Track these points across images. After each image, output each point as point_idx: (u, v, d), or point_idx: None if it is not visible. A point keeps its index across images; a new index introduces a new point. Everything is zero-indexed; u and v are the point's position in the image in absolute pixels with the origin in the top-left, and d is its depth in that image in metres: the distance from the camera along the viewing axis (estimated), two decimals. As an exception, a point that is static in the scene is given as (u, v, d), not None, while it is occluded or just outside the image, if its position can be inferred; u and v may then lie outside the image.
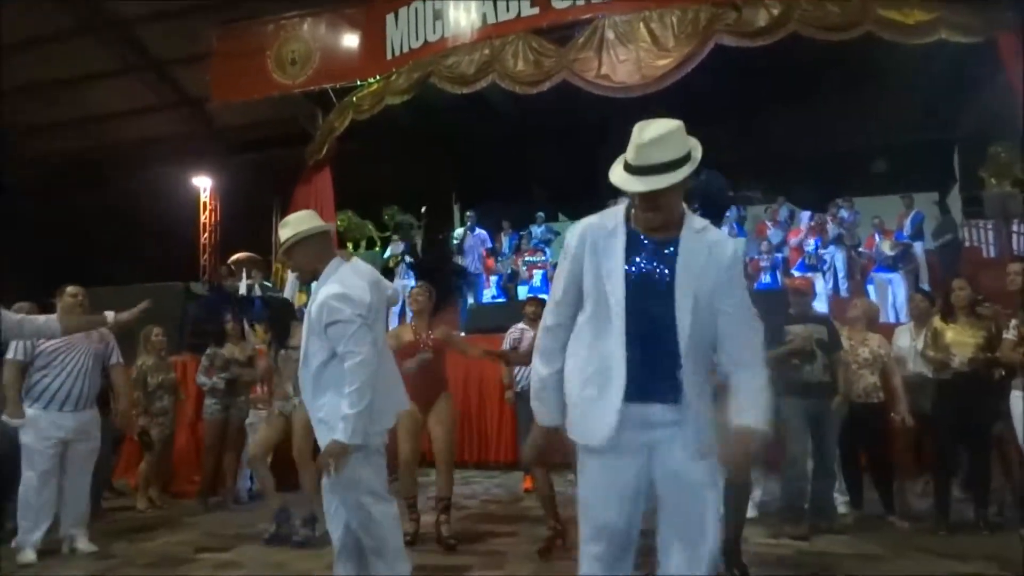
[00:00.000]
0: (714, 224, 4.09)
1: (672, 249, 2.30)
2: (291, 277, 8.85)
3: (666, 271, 2.29)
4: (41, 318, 4.50)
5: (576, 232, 2.41)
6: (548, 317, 2.48)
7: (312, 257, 3.27)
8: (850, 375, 5.40)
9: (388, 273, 11.49)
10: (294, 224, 3.29)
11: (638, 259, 2.31)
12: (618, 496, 2.29)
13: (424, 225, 12.34)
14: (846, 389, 5.31)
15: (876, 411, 5.50)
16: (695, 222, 2.36)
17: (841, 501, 5.67)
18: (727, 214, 11.02)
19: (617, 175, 2.32)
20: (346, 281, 3.14)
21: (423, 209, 12.57)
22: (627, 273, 2.29)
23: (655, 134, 2.28)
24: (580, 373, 2.33)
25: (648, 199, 2.28)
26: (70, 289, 5.21)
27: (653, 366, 2.27)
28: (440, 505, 5.14)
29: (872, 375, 5.48)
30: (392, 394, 3.30)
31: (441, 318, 5.58)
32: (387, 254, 11.56)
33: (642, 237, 2.34)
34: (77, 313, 5.08)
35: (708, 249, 2.31)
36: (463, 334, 9.76)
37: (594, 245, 2.35)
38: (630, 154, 2.30)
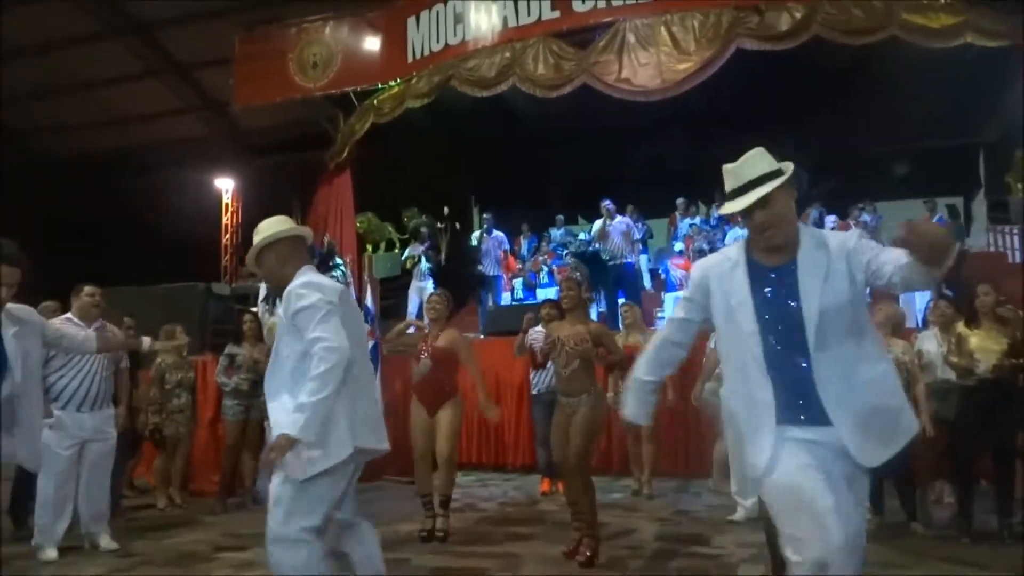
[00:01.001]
0: None
1: (792, 272, 2.32)
2: (262, 289, 8.78)
3: (790, 297, 2.31)
4: (80, 335, 4.49)
5: (696, 275, 2.52)
6: (666, 330, 2.68)
7: (282, 262, 3.04)
8: None
9: (406, 275, 11.52)
10: (264, 229, 3.10)
11: (764, 289, 2.35)
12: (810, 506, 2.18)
13: (446, 228, 12.37)
14: None
15: None
16: (810, 237, 2.36)
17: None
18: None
19: (725, 206, 2.43)
20: (314, 275, 3.00)
21: (445, 211, 12.59)
22: (755, 306, 2.34)
23: (742, 159, 2.40)
24: (736, 409, 2.42)
25: (754, 220, 2.33)
26: (87, 289, 5.19)
27: (796, 390, 2.29)
28: (439, 500, 5.31)
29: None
30: (372, 421, 3.00)
31: (458, 322, 5.61)
32: (404, 255, 11.58)
33: (763, 266, 2.38)
34: (94, 314, 5.12)
35: (827, 256, 2.31)
36: (482, 336, 9.79)
37: (719, 282, 2.43)
38: (727, 184, 2.41)
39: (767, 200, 2.30)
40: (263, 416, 6.93)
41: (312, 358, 2.73)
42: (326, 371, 2.70)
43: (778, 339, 2.30)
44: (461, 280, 10.86)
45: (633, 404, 2.67)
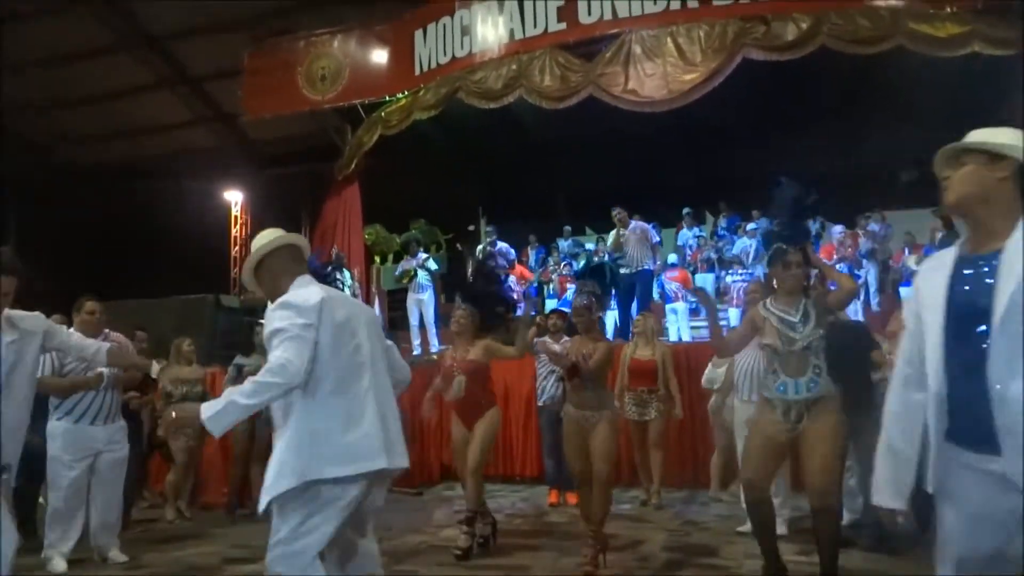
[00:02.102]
0: (793, 238, 4.06)
1: (993, 263, 2.01)
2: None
3: (985, 291, 2.00)
4: (92, 347, 4.50)
5: (915, 281, 2.31)
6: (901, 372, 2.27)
7: (276, 277, 2.95)
8: None
9: (403, 291, 11.42)
10: (256, 243, 3.01)
11: (962, 284, 2.08)
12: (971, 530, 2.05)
13: (448, 239, 12.37)
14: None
15: None
16: None
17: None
18: (811, 226, 10.79)
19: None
20: (296, 290, 2.84)
21: (448, 232, 12.55)
22: (947, 300, 2.08)
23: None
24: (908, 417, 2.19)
25: (948, 204, 2.17)
26: (88, 306, 5.14)
27: (970, 405, 1.99)
28: (463, 516, 5.24)
29: None
30: (364, 435, 2.77)
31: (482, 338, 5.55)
32: (398, 271, 11.39)
33: (969, 257, 2.11)
34: (94, 329, 5.09)
35: None
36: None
37: (924, 281, 2.21)
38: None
39: (961, 158, 2.15)
40: (271, 427, 6.96)
41: (265, 370, 2.63)
42: (268, 382, 2.61)
43: (960, 343, 2.02)
44: (491, 304, 10.81)
45: (892, 485, 2.23)
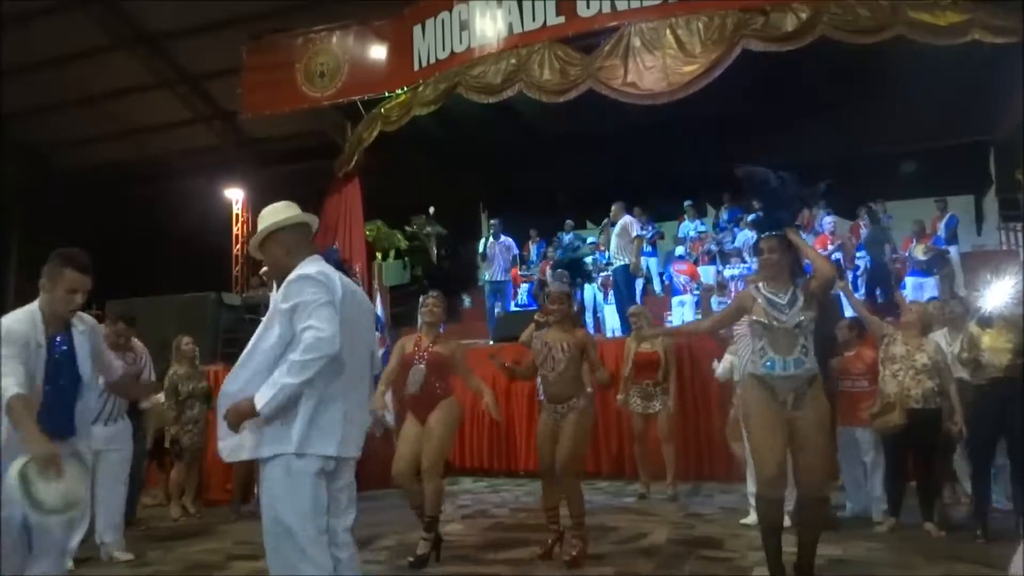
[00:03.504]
0: (773, 225, 4.05)
1: None
2: (272, 298, 8.79)
3: None
4: (115, 363, 4.51)
5: None
6: None
7: (287, 251, 2.94)
8: (908, 381, 5.33)
9: (415, 283, 11.48)
10: (269, 215, 3.00)
11: None
12: None
13: (447, 234, 12.37)
14: (901, 398, 5.26)
15: (934, 417, 5.37)
16: None
17: (878, 509, 5.59)
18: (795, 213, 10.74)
19: None
20: (314, 267, 2.83)
21: (431, 210, 12.52)
22: None
23: None
24: None
25: None
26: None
27: None
28: (424, 523, 4.90)
29: (930, 380, 5.36)
30: (349, 424, 2.82)
31: (467, 328, 5.52)
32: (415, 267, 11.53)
33: None
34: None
35: None
36: (491, 342, 9.80)
37: None
38: None
39: None
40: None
41: (298, 344, 2.65)
42: (309, 360, 2.63)
43: None
44: (453, 285, 10.83)
45: None
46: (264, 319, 2.87)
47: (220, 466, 7.60)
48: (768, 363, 3.92)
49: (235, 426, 2.74)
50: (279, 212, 3.00)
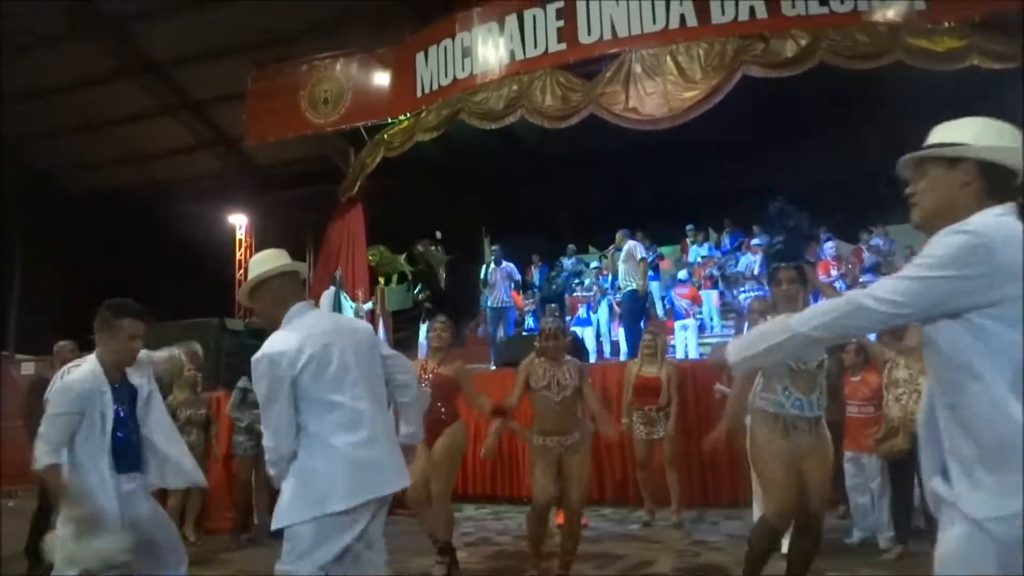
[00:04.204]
0: (790, 256, 4.03)
1: None
2: None
3: None
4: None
5: None
6: None
7: (274, 301, 2.94)
8: (912, 405, 5.29)
9: (418, 307, 11.49)
10: (257, 265, 3.00)
11: None
12: None
13: (452, 259, 12.41)
14: (905, 422, 5.22)
15: None
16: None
17: (886, 536, 5.53)
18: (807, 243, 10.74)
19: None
20: (278, 334, 2.82)
21: (437, 235, 12.57)
22: None
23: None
24: None
25: (916, 223, 2.05)
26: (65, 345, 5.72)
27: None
28: (437, 546, 5.00)
29: None
30: (371, 461, 2.78)
31: (469, 353, 5.53)
32: (417, 290, 11.56)
33: None
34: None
35: None
36: (493, 367, 9.77)
37: None
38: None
39: (923, 167, 2.00)
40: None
41: (266, 449, 2.81)
42: (270, 466, 2.81)
43: None
44: (461, 310, 10.86)
45: None
46: None
47: (220, 494, 7.56)
48: (796, 404, 3.85)
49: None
50: (267, 261, 2.99)
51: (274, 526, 2.76)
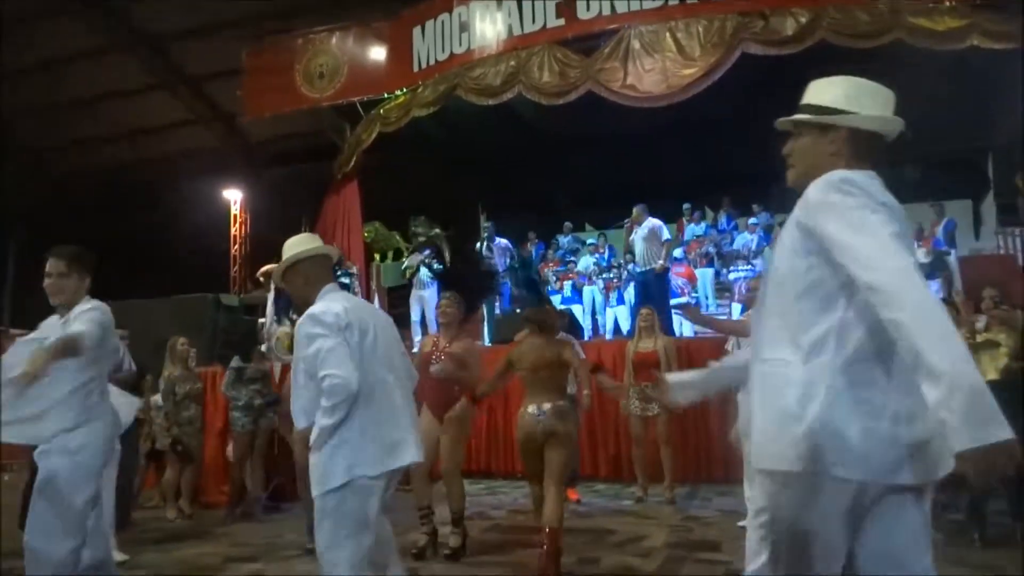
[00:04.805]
0: None
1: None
2: (270, 299, 8.84)
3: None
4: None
5: None
6: None
7: (306, 281, 3.13)
8: None
9: (404, 288, 11.44)
10: (292, 246, 3.18)
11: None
12: None
13: (449, 235, 12.37)
14: None
15: None
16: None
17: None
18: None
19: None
20: (322, 304, 3.01)
21: (442, 228, 12.55)
22: None
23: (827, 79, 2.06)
24: None
25: (790, 183, 2.05)
26: None
27: None
28: (452, 517, 5.12)
29: None
30: (393, 435, 2.98)
31: (466, 329, 5.52)
32: (404, 265, 11.45)
33: None
34: None
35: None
36: (488, 344, 9.78)
37: None
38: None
39: (797, 128, 2.01)
40: (272, 428, 6.98)
41: (326, 394, 2.84)
42: (332, 406, 2.82)
43: None
44: (470, 284, 10.82)
45: None
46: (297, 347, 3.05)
47: (216, 468, 7.60)
48: None
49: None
50: (302, 244, 3.19)
51: (329, 486, 2.84)
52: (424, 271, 10.80)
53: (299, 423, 2.99)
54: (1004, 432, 1.58)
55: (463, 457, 5.30)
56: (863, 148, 1.94)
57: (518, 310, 4.92)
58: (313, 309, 2.98)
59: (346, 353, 2.88)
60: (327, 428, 2.83)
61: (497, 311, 11.42)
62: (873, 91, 2.01)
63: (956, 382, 1.55)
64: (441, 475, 5.16)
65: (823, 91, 2.03)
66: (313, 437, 2.86)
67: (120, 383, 5.67)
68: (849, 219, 1.76)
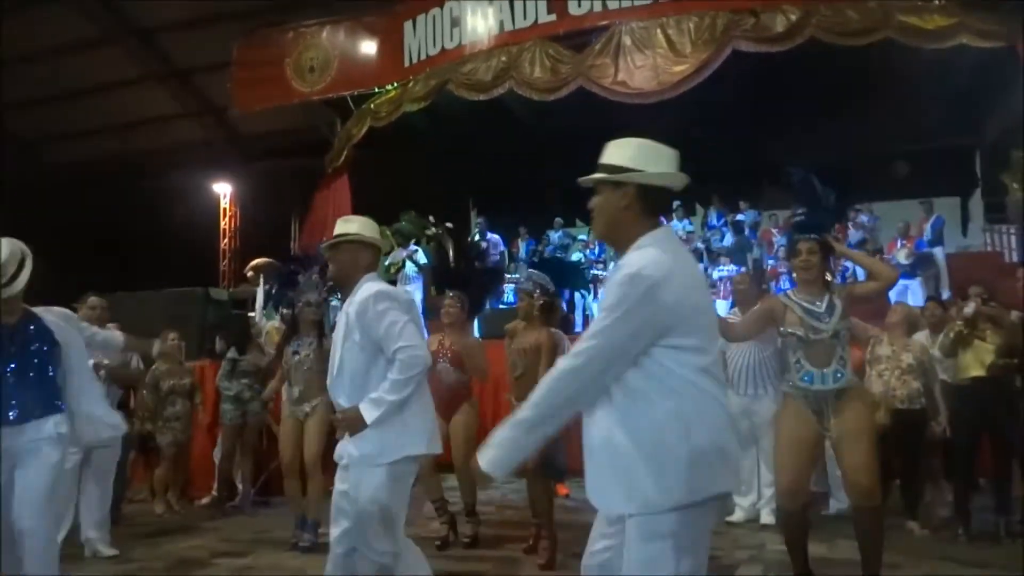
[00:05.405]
0: (812, 228, 4.00)
1: None
2: (259, 293, 8.84)
3: None
4: (103, 332, 4.50)
5: None
6: None
7: (356, 262, 3.20)
8: (893, 381, 5.35)
9: (392, 283, 11.41)
10: (360, 225, 3.27)
11: None
12: None
13: (440, 233, 12.32)
14: (886, 398, 5.28)
15: (919, 417, 5.38)
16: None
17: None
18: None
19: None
20: (376, 284, 3.13)
21: (444, 223, 12.50)
22: None
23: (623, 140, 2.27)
24: None
25: (595, 236, 2.39)
26: (91, 300, 5.25)
27: None
28: (465, 509, 5.31)
29: (916, 380, 5.39)
30: (426, 422, 3.14)
31: (466, 327, 5.56)
32: (387, 261, 11.37)
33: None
34: (95, 323, 5.11)
35: None
36: (479, 339, 9.77)
37: None
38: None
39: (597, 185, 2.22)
40: (261, 422, 6.97)
41: (395, 363, 2.94)
42: (408, 377, 2.93)
43: None
44: (473, 281, 10.78)
45: None
46: (342, 329, 3.11)
47: (205, 463, 7.57)
48: (806, 377, 3.73)
49: (349, 430, 3.01)
50: (372, 229, 3.28)
51: (385, 460, 2.95)
52: (410, 266, 10.77)
53: (344, 403, 3.05)
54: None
55: (474, 449, 5.35)
56: (652, 201, 2.17)
57: (536, 291, 4.89)
58: (381, 286, 3.10)
59: (416, 329, 3.02)
60: (397, 402, 2.92)
61: (486, 307, 11.41)
62: (658, 151, 2.21)
63: None
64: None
65: (615, 152, 2.22)
66: (374, 412, 2.92)
67: (124, 380, 5.70)
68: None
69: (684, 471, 1.95)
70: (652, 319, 1.98)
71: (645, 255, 2.06)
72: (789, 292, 4.00)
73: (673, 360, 1.99)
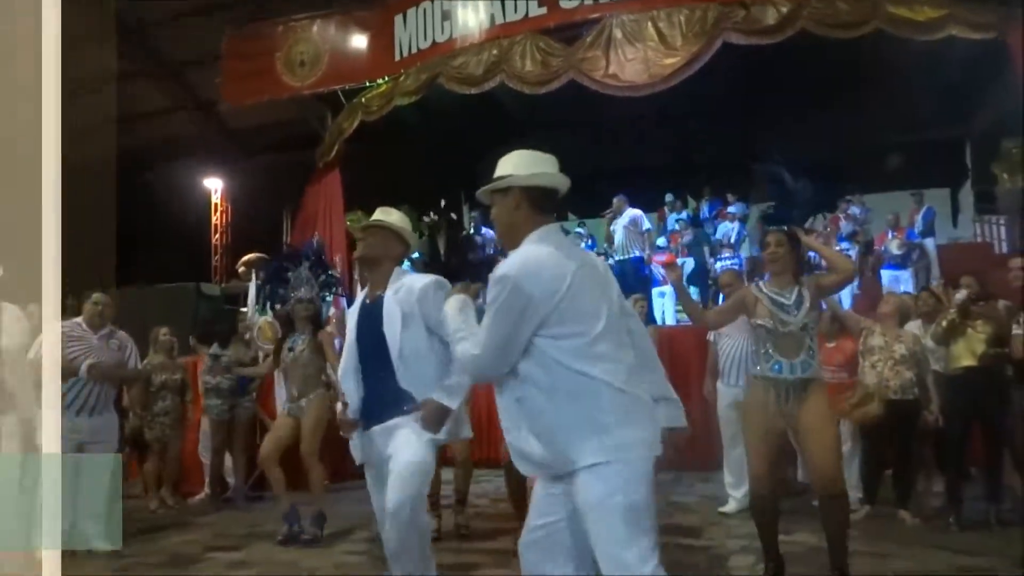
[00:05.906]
0: (781, 220, 4.06)
1: None
2: (252, 288, 8.83)
3: None
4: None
5: None
6: None
7: (387, 249, 3.36)
8: (887, 372, 5.38)
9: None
10: (399, 218, 3.46)
11: None
12: None
13: (432, 226, 12.33)
14: (880, 389, 5.30)
15: (912, 408, 5.43)
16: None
17: (854, 497, 5.64)
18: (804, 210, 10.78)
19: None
20: (437, 276, 3.29)
21: (442, 203, 12.50)
22: None
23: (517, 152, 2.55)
24: None
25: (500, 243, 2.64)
26: (94, 297, 5.34)
27: None
28: (457, 497, 5.50)
29: (908, 371, 5.42)
30: (462, 409, 3.40)
31: None
32: None
33: None
34: (97, 322, 5.28)
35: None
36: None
37: None
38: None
39: (493, 197, 2.48)
40: (251, 415, 6.98)
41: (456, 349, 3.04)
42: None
43: None
44: (463, 274, 10.75)
45: None
46: (397, 319, 3.20)
47: (197, 458, 7.56)
48: (776, 366, 3.79)
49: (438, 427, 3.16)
50: (408, 224, 3.56)
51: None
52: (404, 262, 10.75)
53: (415, 390, 3.17)
54: None
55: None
56: (539, 202, 2.43)
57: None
58: (435, 277, 3.26)
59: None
60: (468, 385, 3.22)
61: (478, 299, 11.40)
62: (535, 156, 2.51)
63: None
64: None
65: (501, 164, 2.52)
66: (456, 399, 3.13)
67: (126, 381, 5.69)
68: None
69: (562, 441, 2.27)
70: (524, 313, 2.23)
71: (516, 256, 2.33)
72: (761, 284, 4.05)
73: (553, 347, 2.25)
